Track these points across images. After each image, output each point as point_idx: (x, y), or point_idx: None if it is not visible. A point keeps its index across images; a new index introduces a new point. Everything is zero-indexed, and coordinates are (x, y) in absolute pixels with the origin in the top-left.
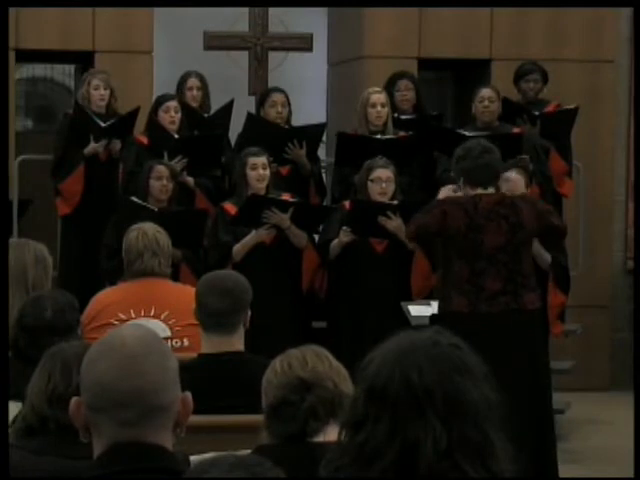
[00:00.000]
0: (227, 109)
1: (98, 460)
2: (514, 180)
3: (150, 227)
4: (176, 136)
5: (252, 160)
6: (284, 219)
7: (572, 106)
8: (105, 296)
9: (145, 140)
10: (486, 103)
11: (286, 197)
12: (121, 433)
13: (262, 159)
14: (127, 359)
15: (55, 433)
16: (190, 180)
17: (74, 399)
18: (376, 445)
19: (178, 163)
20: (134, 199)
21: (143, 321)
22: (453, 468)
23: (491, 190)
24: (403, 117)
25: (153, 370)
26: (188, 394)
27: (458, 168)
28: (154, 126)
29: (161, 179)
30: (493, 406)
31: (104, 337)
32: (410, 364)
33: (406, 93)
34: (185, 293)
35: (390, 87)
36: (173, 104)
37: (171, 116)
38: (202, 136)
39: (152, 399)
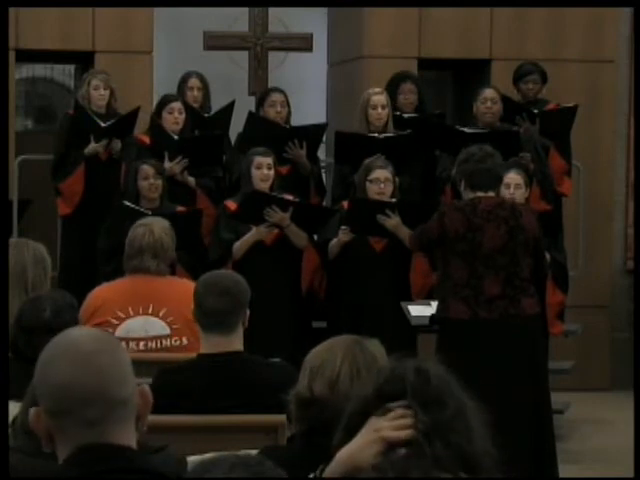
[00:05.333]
0: (228, 109)
1: (64, 463)
2: (514, 186)
3: (158, 227)
4: (176, 137)
5: (258, 159)
6: (284, 218)
7: (571, 104)
8: (102, 292)
9: (147, 140)
10: (489, 104)
11: (287, 197)
12: (87, 434)
13: (268, 159)
14: (82, 357)
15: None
16: (191, 180)
17: (33, 409)
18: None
19: (179, 164)
20: (127, 203)
21: (142, 319)
22: None
23: (491, 194)
24: (406, 115)
25: (110, 364)
26: (145, 386)
27: (459, 171)
28: (155, 127)
29: (147, 178)
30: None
31: (53, 341)
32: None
33: (409, 96)
34: (183, 287)
35: (393, 88)
36: (177, 105)
37: (175, 117)
38: (202, 136)
39: (114, 393)
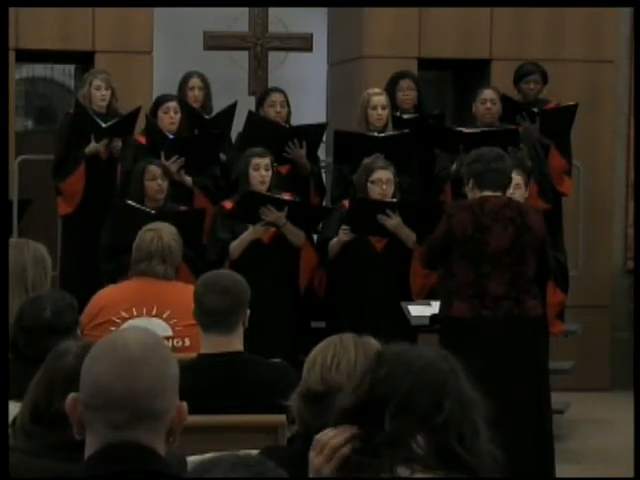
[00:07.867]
0: (229, 111)
1: (89, 461)
2: (514, 186)
3: (167, 232)
4: (170, 136)
5: (255, 161)
6: (280, 217)
7: (571, 103)
8: (108, 293)
9: (143, 140)
10: (488, 105)
11: (286, 196)
12: (112, 434)
13: (265, 160)
14: (126, 362)
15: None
16: (188, 180)
17: (72, 394)
18: None
19: (174, 163)
20: (131, 203)
21: (145, 320)
22: None
23: (499, 194)
24: (405, 116)
25: (150, 376)
26: (184, 404)
27: (469, 170)
28: (150, 127)
29: (155, 179)
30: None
31: (108, 336)
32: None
33: (408, 93)
34: (187, 292)
35: (392, 87)
36: (173, 105)
37: (171, 117)
38: (197, 136)
39: (145, 404)
